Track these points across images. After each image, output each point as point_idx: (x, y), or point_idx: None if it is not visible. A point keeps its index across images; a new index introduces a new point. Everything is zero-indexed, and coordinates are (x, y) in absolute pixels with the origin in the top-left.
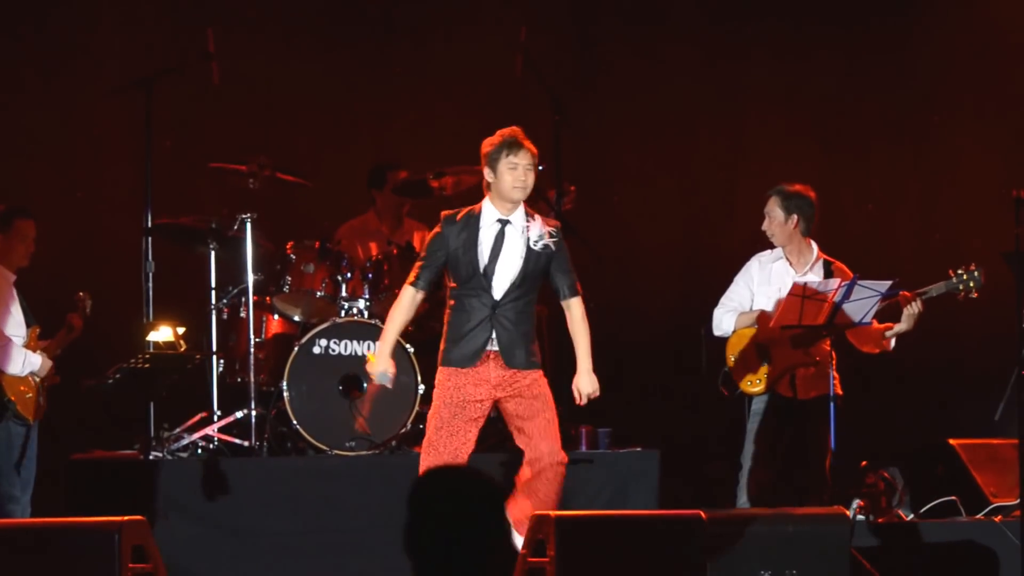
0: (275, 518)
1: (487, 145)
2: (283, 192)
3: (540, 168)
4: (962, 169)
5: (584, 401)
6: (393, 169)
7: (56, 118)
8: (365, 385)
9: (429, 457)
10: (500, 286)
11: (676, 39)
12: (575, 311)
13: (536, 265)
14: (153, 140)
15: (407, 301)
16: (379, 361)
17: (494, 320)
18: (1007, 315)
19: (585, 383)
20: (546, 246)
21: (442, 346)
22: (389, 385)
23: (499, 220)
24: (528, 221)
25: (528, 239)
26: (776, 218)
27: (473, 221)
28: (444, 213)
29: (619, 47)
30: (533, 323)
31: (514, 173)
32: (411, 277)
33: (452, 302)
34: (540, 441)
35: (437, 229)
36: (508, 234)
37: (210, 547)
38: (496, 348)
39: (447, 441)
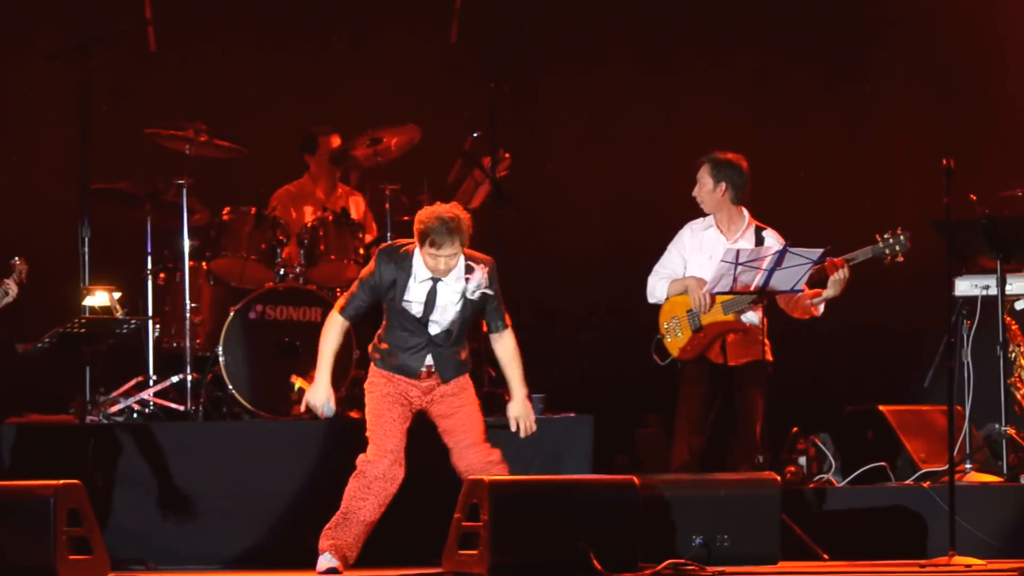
0: (210, 482)
1: (417, 222)
2: (219, 158)
3: (475, 135)
4: (893, 138)
5: (525, 433)
6: (326, 134)
7: None
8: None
9: (372, 447)
10: (435, 329)
11: (612, 7)
12: (507, 343)
13: (472, 311)
14: (90, 105)
15: (336, 330)
16: (319, 391)
17: (431, 347)
18: (937, 282)
19: (521, 410)
20: (483, 294)
21: (378, 344)
22: (331, 415)
23: (431, 278)
24: (468, 274)
25: (465, 290)
26: (705, 185)
27: (406, 267)
28: (383, 245)
29: (556, 15)
30: (464, 338)
31: (432, 263)
32: (340, 303)
33: (386, 322)
34: (468, 448)
35: (371, 266)
36: (440, 290)
37: (145, 511)
38: (433, 367)
39: (388, 429)
